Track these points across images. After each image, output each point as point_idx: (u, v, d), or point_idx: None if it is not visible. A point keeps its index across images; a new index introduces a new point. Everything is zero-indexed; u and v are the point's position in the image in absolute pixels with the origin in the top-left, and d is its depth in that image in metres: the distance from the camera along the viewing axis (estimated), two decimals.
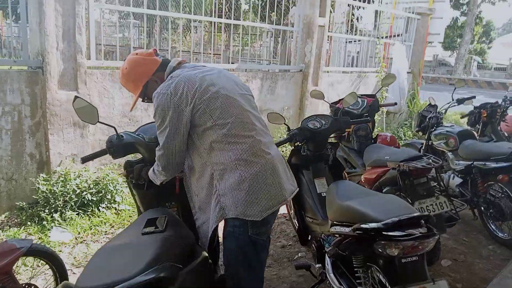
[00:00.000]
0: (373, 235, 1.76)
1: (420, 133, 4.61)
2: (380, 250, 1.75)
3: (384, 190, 3.03)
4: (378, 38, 7.35)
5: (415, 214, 1.71)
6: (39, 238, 3.14)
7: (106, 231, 3.38)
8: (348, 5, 7.08)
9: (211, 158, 1.70)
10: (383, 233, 1.71)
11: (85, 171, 3.73)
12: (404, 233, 1.68)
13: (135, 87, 1.88)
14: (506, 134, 4.95)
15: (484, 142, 4.13)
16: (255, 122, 1.78)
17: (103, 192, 3.65)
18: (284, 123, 2.83)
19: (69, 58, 3.53)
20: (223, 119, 1.68)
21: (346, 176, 3.53)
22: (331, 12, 6.44)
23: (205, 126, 1.68)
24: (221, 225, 1.79)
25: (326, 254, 2.39)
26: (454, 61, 25.23)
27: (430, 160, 2.78)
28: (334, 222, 2.16)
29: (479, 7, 25.51)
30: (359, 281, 2.00)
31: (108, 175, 3.72)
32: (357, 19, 8.31)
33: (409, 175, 2.84)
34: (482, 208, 3.58)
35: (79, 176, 3.61)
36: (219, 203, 1.66)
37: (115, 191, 3.73)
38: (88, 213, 3.52)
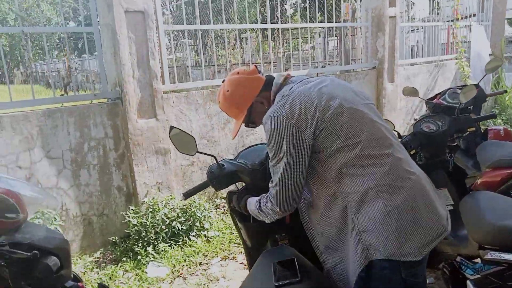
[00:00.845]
0: None
1: None
2: None
3: None
4: (452, 21, 6.71)
5: None
6: (136, 275, 3.03)
7: (200, 262, 3.21)
8: None
9: (341, 187, 1.39)
10: None
11: (171, 199, 3.61)
12: None
13: (239, 111, 1.63)
14: None
15: None
16: (388, 135, 1.46)
17: (191, 220, 3.50)
18: (394, 129, 2.48)
19: (145, 85, 3.45)
20: (353, 138, 1.38)
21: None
22: None
23: (332, 149, 1.38)
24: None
25: (468, 282, 2.00)
26: None
27: None
28: (486, 246, 1.78)
29: None
30: None
31: (194, 202, 3.57)
32: (410, 6, 7.71)
33: None
34: None
35: (166, 206, 3.49)
36: (361, 241, 1.35)
37: (203, 218, 3.57)
38: (179, 243, 3.38)
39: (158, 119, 3.55)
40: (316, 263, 1.69)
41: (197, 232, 3.53)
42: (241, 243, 3.51)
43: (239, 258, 3.27)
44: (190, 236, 3.46)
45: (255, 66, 1.68)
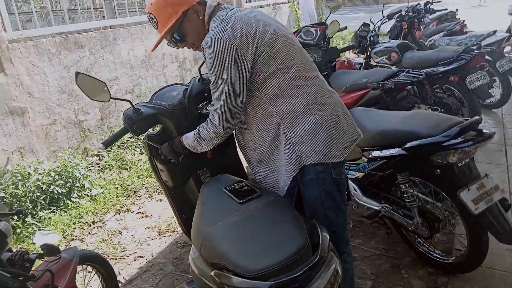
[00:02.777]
0: (432, 149, 1.86)
1: (359, 54, 4.81)
2: (439, 160, 1.87)
3: None
4: None
5: (472, 120, 1.83)
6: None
7: (93, 221, 3.04)
8: None
9: (276, 107, 1.56)
10: (444, 144, 1.81)
11: (39, 163, 3.22)
12: (462, 140, 1.81)
13: (173, 12, 1.55)
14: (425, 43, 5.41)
15: (423, 51, 4.49)
16: (312, 61, 1.68)
17: (71, 182, 3.22)
18: None
19: None
20: (287, 61, 1.54)
21: None
22: None
23: (268, 73, 1.52)
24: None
25: (350, 182, 2.46)
26: None
27: (410, 74, 2.97)
28: (367, 149, 2.22)
29: None
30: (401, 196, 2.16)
31: (70, 162, 3.27)
32: None
33: (393, 91, 3.01)
34: (432, 109, 3.99)
35: (36, 171, 3.11)
36: (295, 152, 1.57)
37: (82, 177, 3.32)
38: (61, 208, 3.11)
39: (7, 73, 3.02)
40: None
41: (78, 193, 3.28)
42: (132, 194, 3.43)
43: (133, 208, 3.22)
44: (72, 199, 3.20)
45: None
